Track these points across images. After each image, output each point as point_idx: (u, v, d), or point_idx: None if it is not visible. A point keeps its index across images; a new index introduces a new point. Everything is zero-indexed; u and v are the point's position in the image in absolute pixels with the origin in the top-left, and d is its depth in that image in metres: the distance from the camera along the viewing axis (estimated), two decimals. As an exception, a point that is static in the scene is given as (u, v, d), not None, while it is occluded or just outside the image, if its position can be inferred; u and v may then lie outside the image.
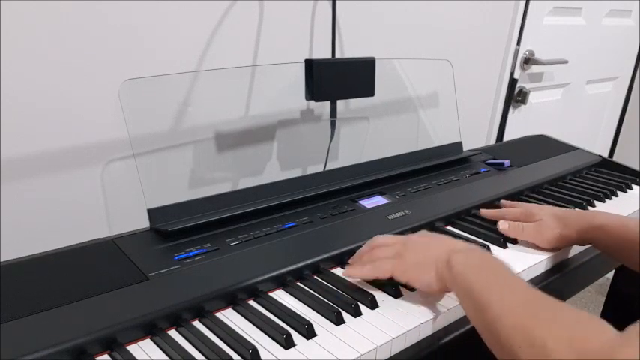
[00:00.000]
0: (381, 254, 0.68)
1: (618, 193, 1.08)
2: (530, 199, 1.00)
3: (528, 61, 1.68)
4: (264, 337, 0.58)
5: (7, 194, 0.84)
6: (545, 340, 0.47)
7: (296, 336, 0.58)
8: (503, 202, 0.93)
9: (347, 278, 0.70)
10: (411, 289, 0.69)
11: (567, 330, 0.47)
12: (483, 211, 0.89)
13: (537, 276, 0.78)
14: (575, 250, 0.85)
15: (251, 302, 0.64)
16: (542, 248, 0.81)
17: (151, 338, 0.57)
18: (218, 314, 0.62)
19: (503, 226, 0.82)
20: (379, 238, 0.72)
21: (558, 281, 0.79)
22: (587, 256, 0.86)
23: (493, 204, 0.96)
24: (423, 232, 0.73)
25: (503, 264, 0.61)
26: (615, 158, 2.28)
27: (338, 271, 0.72)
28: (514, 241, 0.83)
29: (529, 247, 0.82)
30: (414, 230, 0.82)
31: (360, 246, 0.76)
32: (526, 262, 0.77)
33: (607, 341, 0.44)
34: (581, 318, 0.49)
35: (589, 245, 0.87)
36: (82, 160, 0.90)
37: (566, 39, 1.80)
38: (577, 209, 0.94)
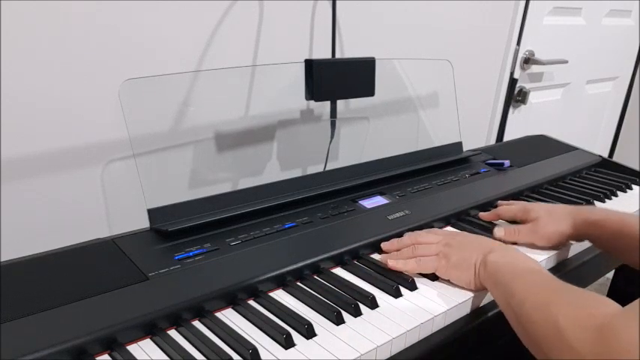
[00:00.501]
0: (424, 252, 0.72)
1: (618, 193, 1.08)
2: (531, 199, 1.00)
3: (528, 61, 1.68)
4: (264, 337, 0.58)
5: (7, 194, 0.84)
6: (557, 316, 0.52)
7: (296, 336, 0.58)
8: (500, 202, 0.94)
9: (345, 277, 0.70)
10: (412, 289, 0.69)
11: (575, 308, 0.52)
12: (482, 214, 0.91)
13: (537, 276, 0.78)
14: (575, 249, 0.85)
15: (251, 302, 0.64)
16: (541, 247, 0.81)
17: (151, 338, 0.57)
18: (218, 314, 0.62)
19: (499, 233, 0.83)
20: (422, 236, 0.76)
21: (558, 281, 0.79)
22: (587, 255, 0.85)
23: (493, 204, 0.96)
24: (461, 233, 0.77)
25: (529, 258, 0.68)
26: (615, 158, 2.28)
27: (338, 271, 0.73)
28: (514, 242, 0.83)
29: (529, 247, 0.82)
30: (414, 230, 0.83)
31: (361, 246, 0.76)
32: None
33: (608, 317, 0.48)
34: (589, 297, 0.54)
35: (589, 245, 0.87)
36: (82, 160, 0.90)
37: (566, 39, 1.80)
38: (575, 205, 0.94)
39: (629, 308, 0.48)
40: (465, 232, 0.79)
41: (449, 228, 0.87)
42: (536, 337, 0.55)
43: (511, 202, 0.92)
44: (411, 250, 0.74)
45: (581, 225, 0.79)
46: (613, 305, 0.52)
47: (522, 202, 0.90)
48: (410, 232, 0.79)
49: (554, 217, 0.81)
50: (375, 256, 0.77)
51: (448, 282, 0.71)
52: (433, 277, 0.72)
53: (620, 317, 0.48)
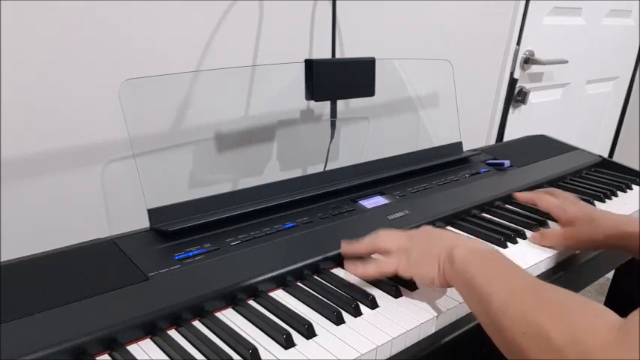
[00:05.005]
0: (384, 244, 0.68)
1: (618, 193, 1.08)
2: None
3: (528, 61, 1.68)
4: (264, 337, 0.58)
5: (7, 194, 0.84)
6: (548, 329, 0.47)
7: (296, 336, 0.58)
8: (540, 190, 0.93)
9: (345, 277, 0.70)
10: (411, 288, 0.69)
11: (570, 319, 0.47)
12: (517, 194, 0.91)
13: (537, 276, 0.78)
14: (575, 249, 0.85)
15: (251, 302, 0.64)
16: (570, 248, 0.81)
17: (150, 338, 0.57)
18: (218, 314, 0.62)
19: (535, 239, 0.83)
20: (383, 234, 0.71)
21: (558, 281, 0.79)
22: (587, 255, 0.85)
23: (493, 204, 0.96)
24: (427, 228, 0.72)
25: (504, 256, 0.61)
26: (615, 158, 2.28)
27: (338, 271, 0.72)
28: (514, 241, 0.83)
29: (529, 247, 0.82)
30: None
31: (360, 246, 0.76)
32: (526, 262, 0.77)
33: (609, 333, 0.44)
34: (584, 306, 0.48)
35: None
36: (82, 160, 0.90)
37: (566, 39, 1.80)
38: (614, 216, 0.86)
39: (631, 325, 0.44)
40: (430, 227, 0.73)
41: (449, 228, 0.87)
42: (522, 347, 0.49)
43: (553, 191, 0.89)
44: (370, 240, 0.69)
45: (615, 235, 0.76)
46: (613, 319, 0.47)
47: (565, 193, 0.88)
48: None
49: (592, 225, 0.79)
50: (376, 257, 0.77)
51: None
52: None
53: (623, 335, 0.43)
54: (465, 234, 0.85)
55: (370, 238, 0.70)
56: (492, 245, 0.81)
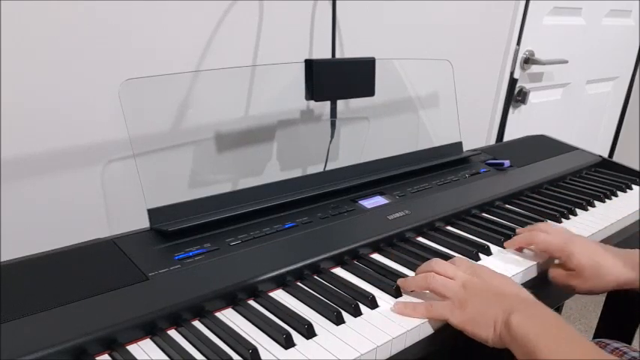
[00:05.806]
0: (438, 288, 0.65)
1: (618, 193, 1.08)
2: (530, 199, 1.00)
3: (528, 61, 1.68)
4: (264, 337, 0.58)
5: (7, 194, 0.84)
6: None
7: (296, 336, 0.58)
8: (530, 228, 0.82)
9: (345, 277, 0.70)
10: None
11: None
12: (509, 243, 0.81)
13: (538, 275, 0.78)
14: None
15: (251, 302, 0.64)
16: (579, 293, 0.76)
17: (150, 338, 0.57)
18: (218, 314, 0.62)
19: (553, 273, 0.77)
20: (439, 265, 0.67)
21: (558, 281, 0.79)
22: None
23: (493, 204, 0.96)
24: (485, 274, 0.66)
25: (565, 323, 0.58)
26: (615, 158, 2.28)
27: (338, 271, 0.73)
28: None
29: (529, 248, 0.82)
30: (414, 230, 0.83)
31: (361, 246, 0.76)
32: (527, 261, 0.77)
33: None
34: None
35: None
36: (82, 160, 0.90)
37: (566, 39, 1.80)
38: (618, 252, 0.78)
39: None
40: (485, 270, 0.67)
41: (449, 228, 0.87)
42: None
43: (546, 228, 0.79)
44: (423, 278, 0.66)
45: (626, 283, 0.73)
46: None
47: (561, 233, 0.78)
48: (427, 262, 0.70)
49: (600, 277, 0.73)
50: (375, 256, 0.77)
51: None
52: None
53: None
54: (466, 234, 0.85)
55: (424, 277, 0.66)
56: (492, 246, 0.81)
